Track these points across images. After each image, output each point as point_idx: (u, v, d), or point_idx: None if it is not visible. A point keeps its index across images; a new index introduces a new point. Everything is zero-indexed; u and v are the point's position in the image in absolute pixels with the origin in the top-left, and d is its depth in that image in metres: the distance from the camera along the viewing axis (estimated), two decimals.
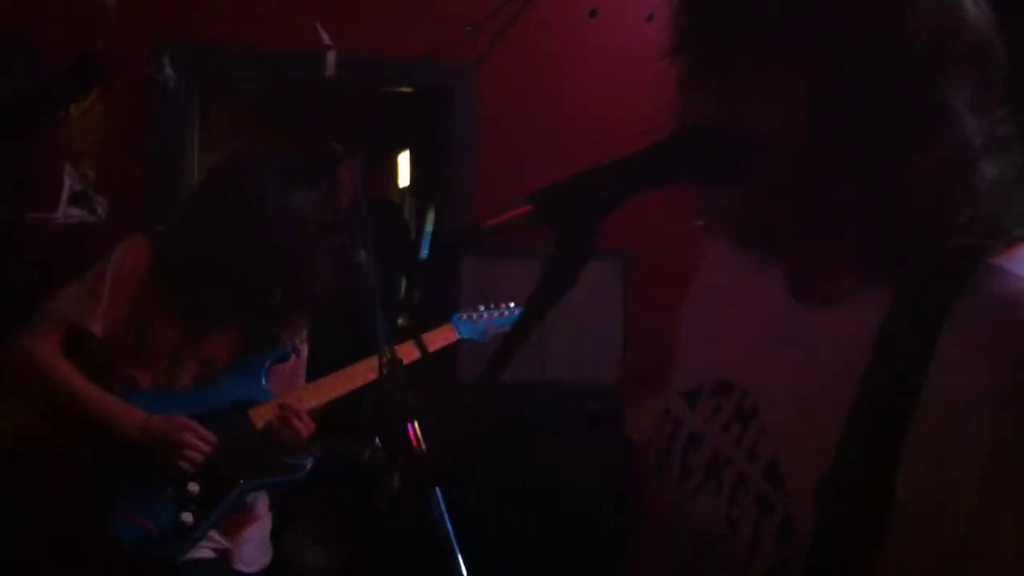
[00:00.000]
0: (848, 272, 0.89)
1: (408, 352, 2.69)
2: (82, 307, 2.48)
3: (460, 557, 1.64)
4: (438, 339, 2.81)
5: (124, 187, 3.87)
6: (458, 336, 2.87)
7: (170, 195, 3.92)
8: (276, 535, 2.78)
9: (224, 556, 2.56)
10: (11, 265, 3.65)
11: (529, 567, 3.44)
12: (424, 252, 5.68)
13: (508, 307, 3.00)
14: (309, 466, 2.62)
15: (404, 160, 7.49)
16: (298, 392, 2.63)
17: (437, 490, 1.70)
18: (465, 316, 2.92)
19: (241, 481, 2.53)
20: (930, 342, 0.79)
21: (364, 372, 2.62)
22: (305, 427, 2.53)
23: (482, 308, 2.97)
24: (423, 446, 1.77)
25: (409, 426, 1.79)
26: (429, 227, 5.85)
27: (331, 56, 3.82)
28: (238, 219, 2.49)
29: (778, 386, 0.93)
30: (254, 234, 2.49)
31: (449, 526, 1.66)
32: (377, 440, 2.53)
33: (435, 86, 4.19)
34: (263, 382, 2.61)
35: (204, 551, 2.52)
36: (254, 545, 2.65)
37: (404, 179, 7.52)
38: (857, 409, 0.82)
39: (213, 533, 2.53)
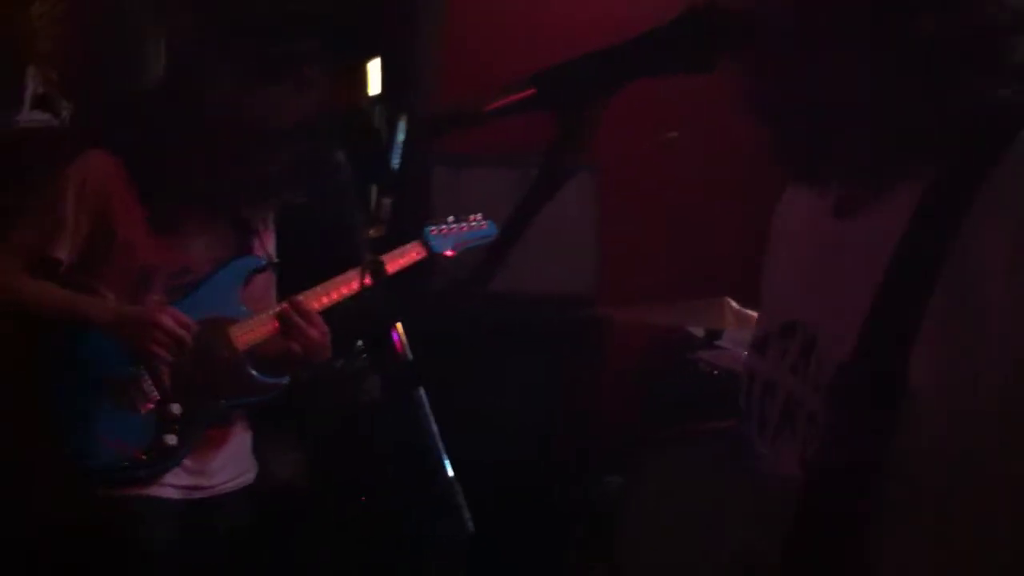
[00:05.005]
0: (887, 172, 0.87)
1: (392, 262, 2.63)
2: (44, 234, 2.39)
3: (445, 457, 1.65)
4: (406, 256, 2.74)
5: (86, 88, 3.76)
6: (427, 252, 2.80)
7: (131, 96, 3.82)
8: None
9: (191, 491, 2.51)
10: None
11: (500, 482, 3.48)
12: (395, 162, 5.60)
13: (477, 219, 2.94)
14: (285, 383, 2.58)
15: (374, 68, 7.34)
16: (294, 297, 2.54)
17: (422, 391, 1.70)
18: (436, 229, 2.85)
19: (222, 401, 2.49)
20: (956, 215, 0.78)
21: (350, 281, 2.55)
22: (317, 330, 2.46)
23: (451, 219, 2.90)
24: (407, 350, 1.76)
25: (393, 330, 1.77)
26: (400, 137, 5.76)
27: None
28: (200, 124, 2.41)
29: (830, 307, 0.92)
30: (218, 138, 2.41)
31: (434, 427, 1.66)
32: (359, 344, 2.54)
33: None
34: (238, 298, 2.55)
35: (168, 490, 2.47)
36: (235, 462, 2.62)
37: (374, 87, 7.38)
38: (880, 295, 0.81)
39: (187, 462, 2.48)
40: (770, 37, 0.83)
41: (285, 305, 2.48)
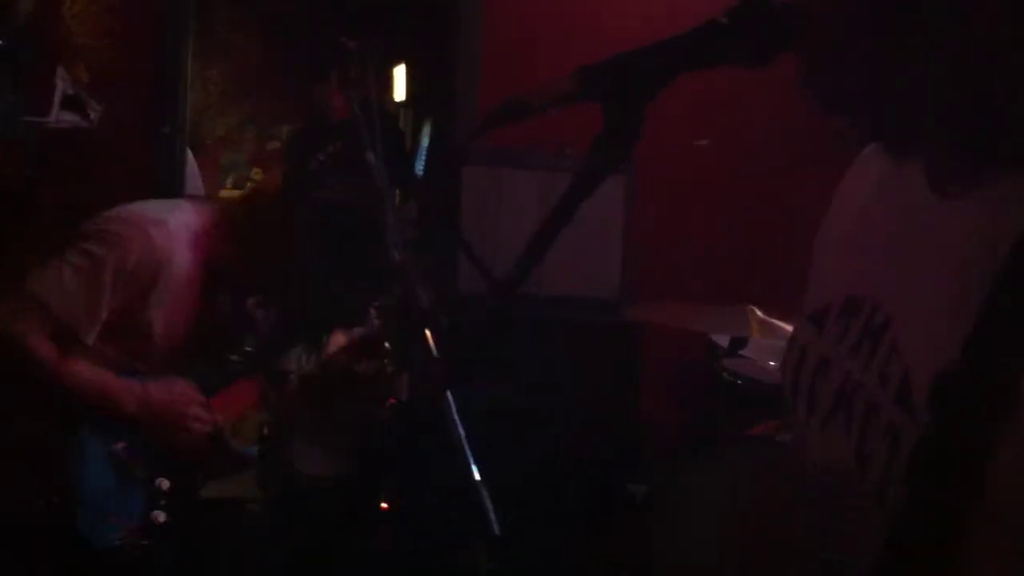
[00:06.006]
0: (998, 151, 0.80)
1: None
2: (76, 311, 2.22)
3: (473, 461, 1.64)
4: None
5: (122, 91, 3.79)
6: None
7: (168, 99, 3.86)
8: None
9: None
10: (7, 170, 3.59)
11: (529, 483, 3.47)
12: (420, 166, 5.63)
13: None
14: (255, 454, 2.55)
15: (400, 74, 7.37)
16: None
17: (449, 395, 1.69)
18: None
19: (206, 479, 2.44)
20: None
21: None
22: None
23: None
24: (436, 352, 1.76)
25: (426, 332, 1.77)
26: (425, 141, 5.78)
27: None
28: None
29: (911, 292, 0.85)
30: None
31: (462, 431, 1.66)
32: (387, 345, 2.53)
33: None
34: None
35: None
36: None
37: (399, 94, 7.41)
38: (991, 301, 0.73)
39: None
40: (828, 27, 0.81)
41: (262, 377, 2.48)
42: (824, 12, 0.80)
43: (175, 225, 2.26)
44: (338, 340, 2.50)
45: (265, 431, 3.46)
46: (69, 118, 3.83)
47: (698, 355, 3.61)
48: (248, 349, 2.44)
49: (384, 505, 3.13)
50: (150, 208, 2.32)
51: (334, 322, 2.60)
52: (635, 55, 0.81)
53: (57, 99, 3.79)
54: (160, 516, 2.32)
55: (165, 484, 2.34)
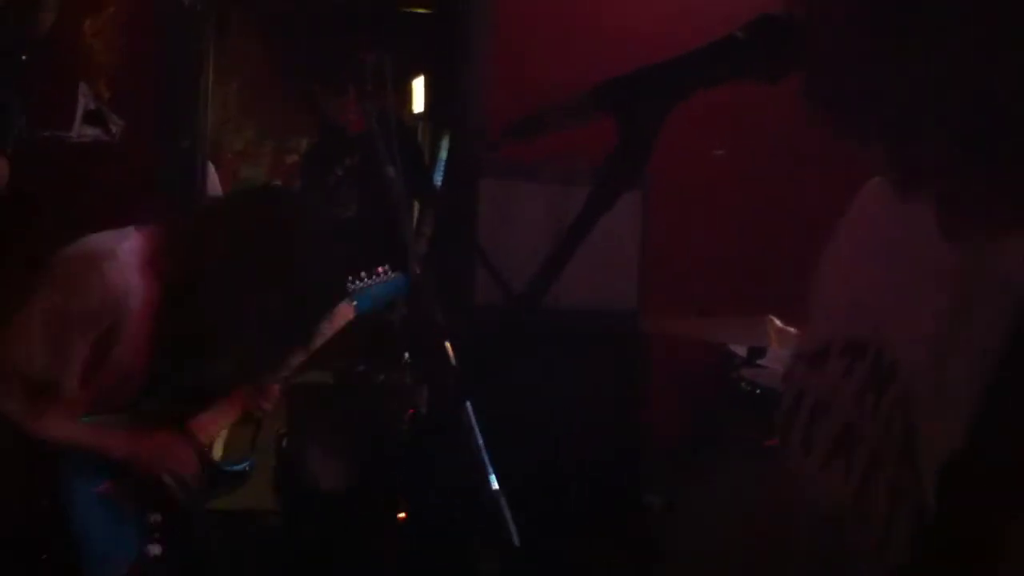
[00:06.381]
0: (1011, 201, 0.75)
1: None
2: (51, 370, 2.14)
3: (492, 471, 1.65)
4: (339, 319, 2.62)
5: (139, 107, 3.83)
6: (356, 312, 2.68)
7: (184, 116, 3.89)
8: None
9: None
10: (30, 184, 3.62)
11: (541, 489, 3.47)
12: (438, 179, 5.64)
13: (386, 272, 2.75)
14: (249, 468, 2.53)
15: (418, 86, 7.41)
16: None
17: (468, 405, 1.70)
18: (354, 287, 2.71)
19: (198, 503, 2.38)
20: None
21: (336, 321, 2.52)
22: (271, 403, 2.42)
23: (364, 275, 2.75)
24: (456, 363, 1.76)
25: (444, 344, 1.78)
26: (443, 154, 5.80)
27: None
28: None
29: (920, 342, 0.80)
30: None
31: (480, 440, 1.67)
32: (407, 356, 2.54)
33: (453, 2, 4.15)
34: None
35: None
36: None
37: (418, 106, 7.44)
38: (1002, 372, 0.69)
39: None
40: (827, 33, 0.79)
41: (252, 390, 2.42)
42: (823, 18, 0.79)
43: (125, 254, 2.18)
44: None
45: (284, 444, 3.48)
46: (90, 132, 3.87)
47: (715, 365, 3.61)
48: (224, 367, 2.39)
49: (401, 515, 3.14)
50: (98, 242, 2.22)
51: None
52: (651, 70, 0.81)
53: (79, 114, 3.84)
54: (155, 549, 2.29)
55: (157, 517, 2.31)
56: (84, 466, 2.23)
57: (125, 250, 2.18)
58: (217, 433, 2.42)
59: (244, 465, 2.52)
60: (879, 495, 0.79)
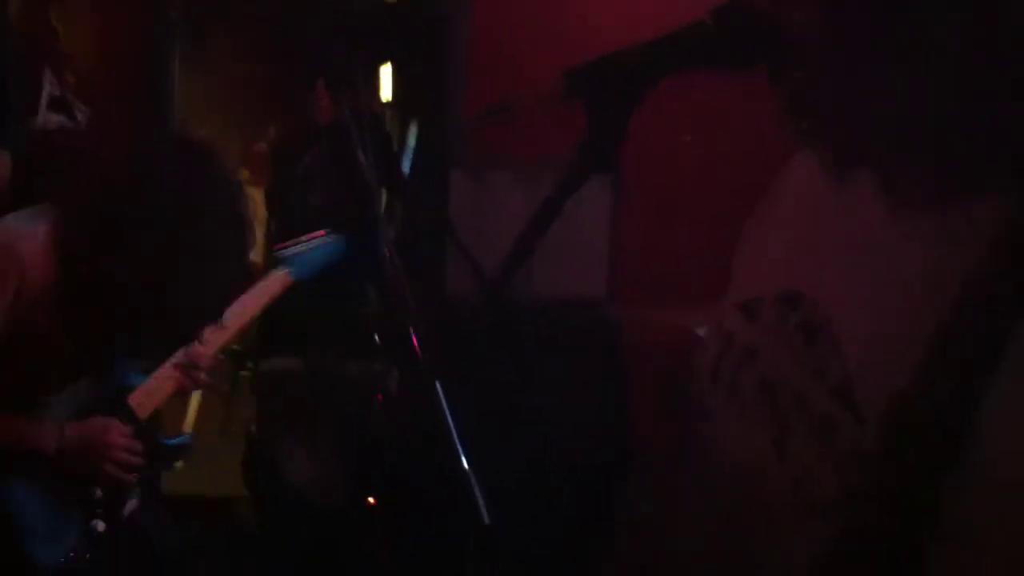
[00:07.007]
0: (960, 170, 0.78)
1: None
2: None
3: (462, 451, 1.65)
4: (271, 287, 2.61)
5: (105, 95, 3.80)
6: (294, 278, 2.65)
7: (155, 104, 3.87)
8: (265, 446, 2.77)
9: None
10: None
11: (518, 486, 3.49)
12: (407, 167, 5.63)
13: (322, 236, 2.74)
14: (189, 442, 2.50)
15: (386, 74, 7.37)
16: (194, 349, 2.39)
17: (438, 385, 1.70)
18: (291, 252, 2.68)
19: (138, 476, 2.33)
20: None
21: (271, 287, 2.52)
22: (207, 372, 2.39)
23: (300, 241, 2.73)
24: (422, 349, 1.76)
25: (410, 329, 1.78)
26: (412, 142, 5.78)
27: None
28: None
29: (857, 298, 0.83)
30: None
31: (451, 420, 1.67)
32: (376, 338, 2.54)
33: None
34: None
35: None
36: None
37: (386, 94, 7.41)
38: (948, 328, 0.73)
39: None
40: (798, 38, 0.81)
41: (183, 359, 2.38)
42: (795, 15, 0.81)
43: (44, 233, 2.14)
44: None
45: (252, 429, 3.48)
46: (55, 119, 3.83)
47: (687, 352, 3.64)
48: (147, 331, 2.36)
49: (371, 500, 3.14)
50: (16, 220, 2.20)
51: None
52: (619, 56, 0.83)
53: (44, 101, 3.80)
54: (100, 525, 2.26)
55: (98, 493, 2.27)
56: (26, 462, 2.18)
57: (44, 228, 2.14)
58: (155, 406, 2.36)
59: (184, 438, 2.49)
60: (803, 433, 0.82)
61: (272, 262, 2.69)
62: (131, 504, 2.36)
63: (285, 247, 2.69)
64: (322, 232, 2.74)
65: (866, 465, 0.76)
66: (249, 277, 2.44)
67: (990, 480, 0.69)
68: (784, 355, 0.88)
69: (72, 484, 2.23)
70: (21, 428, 2.18)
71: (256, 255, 2.49)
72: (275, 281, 2.62)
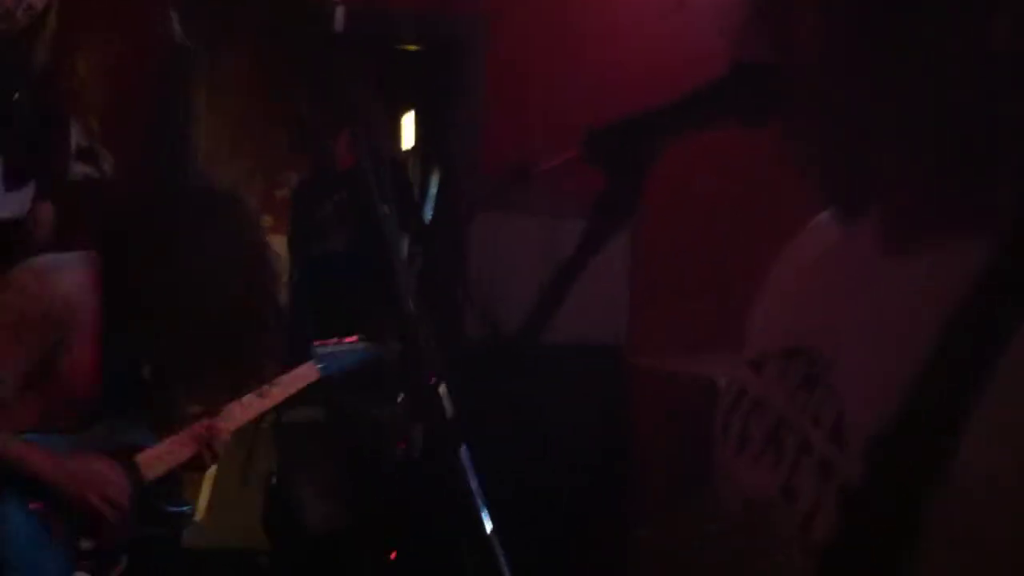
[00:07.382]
0: (948, 216, 0.81)
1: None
2: None
3: (486, 515, 1.63)
4: (299, 379, 2.72)
5: (129, 143, 3.85)
6: (321, 375, 2.77)
7: (174, 152, 3.91)
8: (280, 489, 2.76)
9: None
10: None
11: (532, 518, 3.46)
12: (428, 215, 5.67)
13: (355, 341, 2.88)
14: (190, 512, 2.52)
15: (408, 121, 7.45)
16: (214, 423, 2.43)
17: (464, 447, 1.68)
18: (324, 350, 2.81)
19: (129, 535, 2.33)
20: None
21: (300, 379, 2.59)
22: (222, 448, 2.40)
23: (335, 340, 2.86)
24: (449, 404, 1.75)
25: (437, 384, 1.76)
26: (433, 189, 5.83)
27: (340, 11, 3.79)
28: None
29: (851, 340, 0.86)
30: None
31: (476, 484, 1.65)
32: (400, 396, 2.53)
33: (445, 39, 4.18)
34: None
35: None
36: None
37: (408, 141, 7.48)
38: (933, 357, 0.74)
39: None
40: (800, 87, 0.82)
41: (201, 430, 2.39)
42: (803, 51, 0.81)
43: (78, 273, 2.21)
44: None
45: (274, 481, 3.47)
46: (82, 169, 3.87)
47: (699, 399, 3.62)
48: (170, 393, 2.37)
49: (392, 554, 3.12)
50: (52, 258, 2.27)
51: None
52: (639, 117, 0.83)
53: (73, 151, 3.84)
54: None
55: (87, 544, 2.27)
56: (20, 480, 2.18)
57: (78, 268, 2.20)
58: (164, 471, 2.36)
59: (186, 508, 2.50)
60: (807, 475, 0.85)
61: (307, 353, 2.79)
62: (121, 564, 2.35)
63: (323, 344, 2.81)
64: (355, 337, 2.86)
65: (855, 498, 0.78)
66: (279, 329, 2.46)
67: (975, 503, 0.71)
68: (789, 405, 0.92)
69: (63, 532, 2.22)
70: (24, 453, 2.17)
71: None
72: (305, 374, 2.72)
